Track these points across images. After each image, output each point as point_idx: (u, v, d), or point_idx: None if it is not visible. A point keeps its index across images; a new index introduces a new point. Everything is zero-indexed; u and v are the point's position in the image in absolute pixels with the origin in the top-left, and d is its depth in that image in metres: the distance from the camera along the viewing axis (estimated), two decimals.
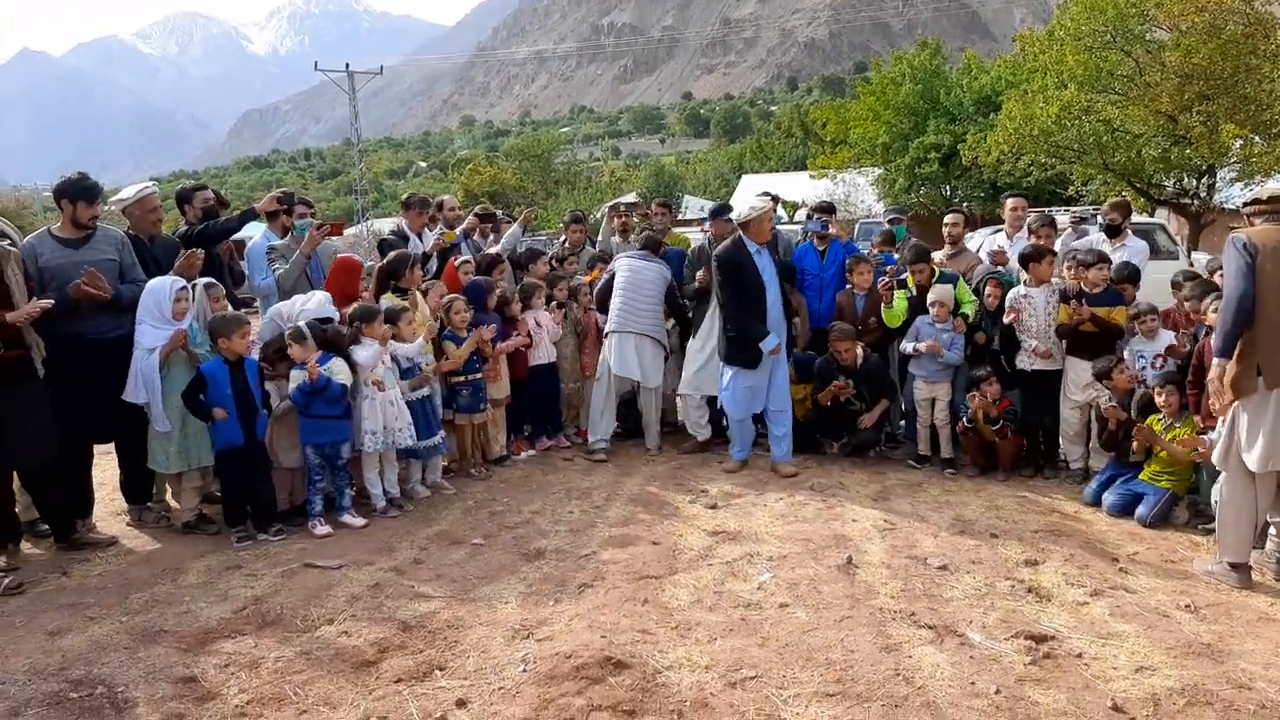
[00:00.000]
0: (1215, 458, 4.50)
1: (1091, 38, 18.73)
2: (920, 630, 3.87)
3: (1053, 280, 6.30)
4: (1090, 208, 16.09)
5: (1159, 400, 5.42)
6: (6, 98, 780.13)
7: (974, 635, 3.82)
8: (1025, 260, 6.33)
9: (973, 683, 3.43)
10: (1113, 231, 7.09)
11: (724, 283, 6.34)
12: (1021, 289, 6.35)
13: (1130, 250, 6.99)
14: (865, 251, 7.72)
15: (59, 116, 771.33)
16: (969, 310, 6.58)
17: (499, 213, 8.24)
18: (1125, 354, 5.96)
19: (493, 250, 7.44)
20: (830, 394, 6.59)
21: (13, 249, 4.85)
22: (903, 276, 6.82)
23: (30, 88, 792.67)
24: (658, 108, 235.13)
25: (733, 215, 6.79)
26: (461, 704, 3.36)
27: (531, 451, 7.05)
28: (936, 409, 6.55)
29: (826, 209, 7.91)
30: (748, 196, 7.74)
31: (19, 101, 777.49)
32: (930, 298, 6.53)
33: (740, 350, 6.35)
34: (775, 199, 8.22)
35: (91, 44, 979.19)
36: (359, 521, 5.39)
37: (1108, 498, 5.57)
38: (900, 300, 6.66)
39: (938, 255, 7.24)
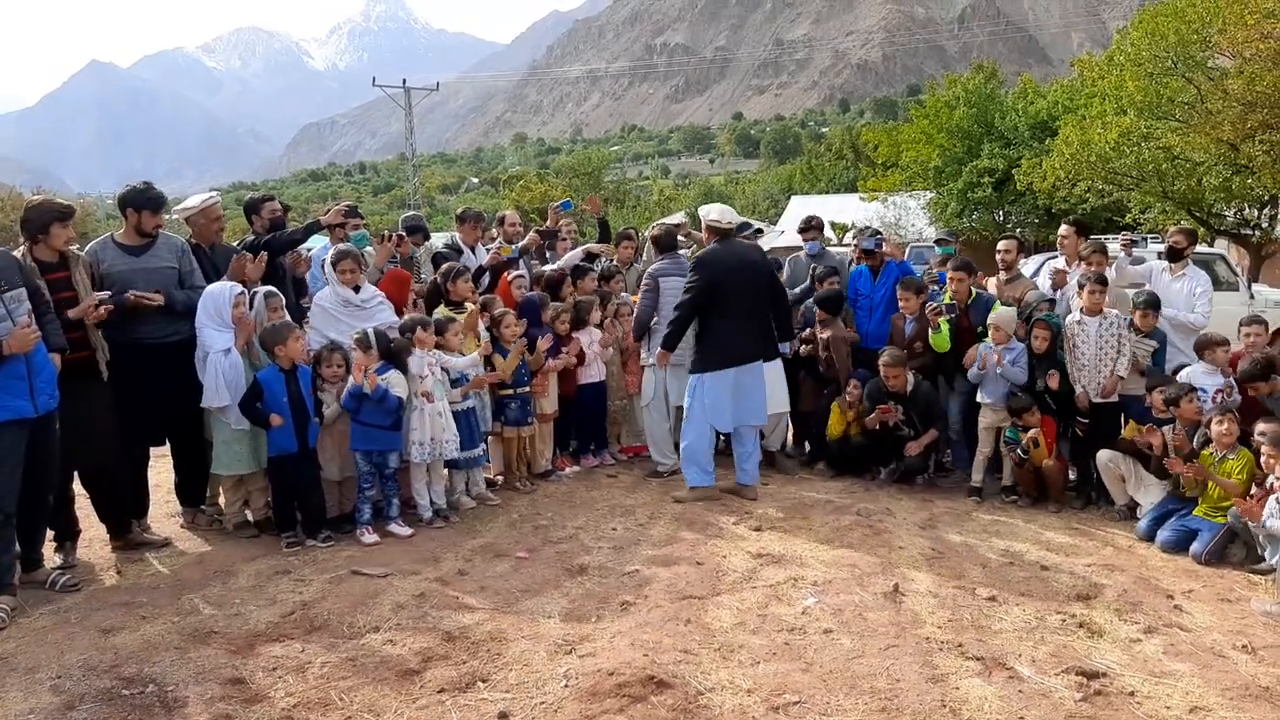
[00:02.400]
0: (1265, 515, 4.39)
1: (1152, 63, 18.44)
2: (968, 661, 3.81)
3: (1108, 312, 6.18)
4: (1146, 235, 15.80)
5: (1215, 429, 5.30)
6: (75, 107, 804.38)
7: (1023, 669, 3.75)
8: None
9: (1021, 717, 3.37)
10: (1174, 255, 6.92)
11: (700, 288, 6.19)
12: (1076, 314, 6.24)
13: (1191, 279, 6.82)
14: (921, 273, 7.65)
15: (125, 127, 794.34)
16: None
17: (559, 231, 8.23)
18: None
19: (548, 268, 7.47)
20: (877, 418, 6.53)
21: (80, 253, 5.01)
22: (952, 304, 6.70)
23: (98, 98, 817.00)
24: (708, 127, 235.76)
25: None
26: (503, 717, 3.38)
27: (576, 468, 7.07)
28: (1003, 438, 6.42)
29: (876, 232, 7.88)
30: (796, 218, 7.72)
31: (87, 111, 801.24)
32: (991, 321, 6.42)
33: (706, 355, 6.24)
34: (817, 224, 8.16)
35: (158, 56, 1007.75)
36: (405, 531, 5.45)
37: (1162, 533, 5.44)
38: (945, 325, 6.58)
39: (992, 281, 7.15)
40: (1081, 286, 6.25)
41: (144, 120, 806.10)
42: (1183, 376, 5.99)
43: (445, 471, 5.87)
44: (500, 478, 6.63)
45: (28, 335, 4.26)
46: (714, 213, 6.48)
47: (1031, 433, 6.05)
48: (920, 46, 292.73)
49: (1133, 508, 5.93)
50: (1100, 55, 22.17)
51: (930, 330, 6.64)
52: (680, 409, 6.64)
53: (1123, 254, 7.20)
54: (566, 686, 3.58)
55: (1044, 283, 7.21)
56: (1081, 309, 6.24)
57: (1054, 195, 21.97)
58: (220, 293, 5.28)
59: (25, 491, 4.39)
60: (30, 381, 4.31)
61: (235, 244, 6.29)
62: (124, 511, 5.32)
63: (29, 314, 4.36)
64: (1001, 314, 6.41)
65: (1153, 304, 6.28)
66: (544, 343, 6.44)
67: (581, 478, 6.90)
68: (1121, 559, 5.21)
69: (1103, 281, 6.29)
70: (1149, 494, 5.82)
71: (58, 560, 4.94)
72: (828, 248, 8.33)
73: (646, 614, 4.29)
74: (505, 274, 7.06)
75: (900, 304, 6.95)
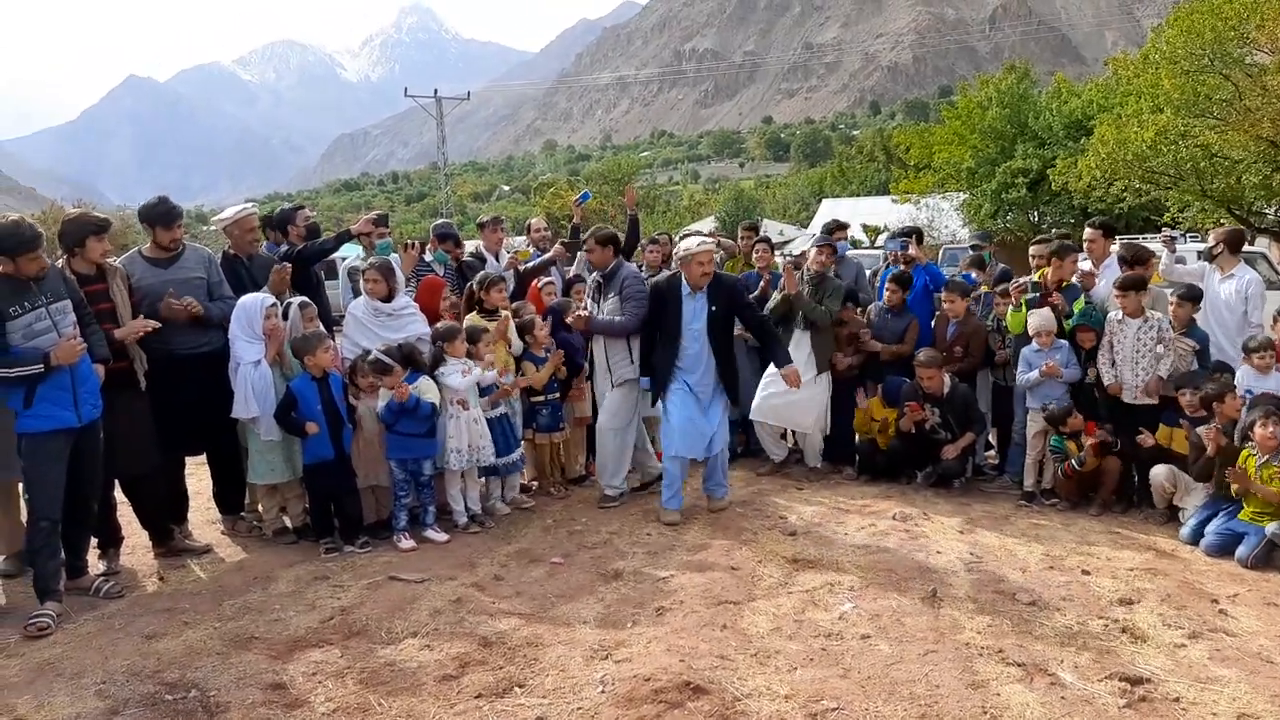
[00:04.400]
0: None
1: (1188, 61, 18.19)
2: (1009, 668, 3.76)
3: (1150, 314, 6.07)
4: (1179, 233, 15.54)
5: (1259, 432, 5.19)
6: (114, 121, 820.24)
7: (1065, 675, 3.69)
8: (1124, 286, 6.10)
9: None
10: (1221, 254, 6.76)
11: (651, 310, 6.06)
12: (1116, 313, 6.14)
13: (1239, 280, 6.65)
14: (949, 275, 7.59)
15: (162, 140, 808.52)
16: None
17: (583, 240, 8.19)
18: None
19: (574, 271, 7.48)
20: (910, 420, 6.48)
21: (117, 265, 5.10)
22: (1037, 283, 6.61)
23: (136, 111, 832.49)
24: (738, 132, 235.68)
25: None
26: None
27: None
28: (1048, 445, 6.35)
29: (910, 233, 7.83)
30: (824, 220, 7.60)
31: (125, 125, 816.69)
32: (1032, 326, 6.34)
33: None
34: (836, 228, 8.08)
35: (194, 70, 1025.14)
36: (442, 537, 5.48)
37: (1206, 537, 5.34)
38: (1025, 304, 6.48)
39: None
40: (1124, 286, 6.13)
41: (181, 133, 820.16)
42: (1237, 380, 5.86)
43: (481, 478, 5.89)
44: (534, 483, 6.65)
45: (74, 347, 4.34)
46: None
47: (1090, 442, 5.98)
48: (951, 48, 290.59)
49: (1174, 512, 5.83)
50: (1135, 53, 21.91)
51: (1011, 308, 6.59)
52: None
53: (1166, 252, 7.06)
54: (603, 692, 3.58)
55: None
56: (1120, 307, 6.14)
57: (1090, 195, 21.70)
58: (252, 304, 5.34)
59: (70, 500, 4.47)
60: (74, 392, 4.40)
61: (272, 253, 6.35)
62: (163, 519, 5.40)
63: (74, 325, 4.45)
64: (1043, 316, 6.32)
65: (1190, 296, 6.15)
66: (556, 355, 6.40)
67: None
68: (1164, 563, 5.12)
69: (1133, 285, 6.15)
70: (1193, 498, 5.72)
71: (101, 567, 5.02)
72: (854, 250, 8.30)
73: (682, 619, 4.28)
74: (535, 280, 7.09)
75: (945, 306, 6.89)
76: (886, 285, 7.20)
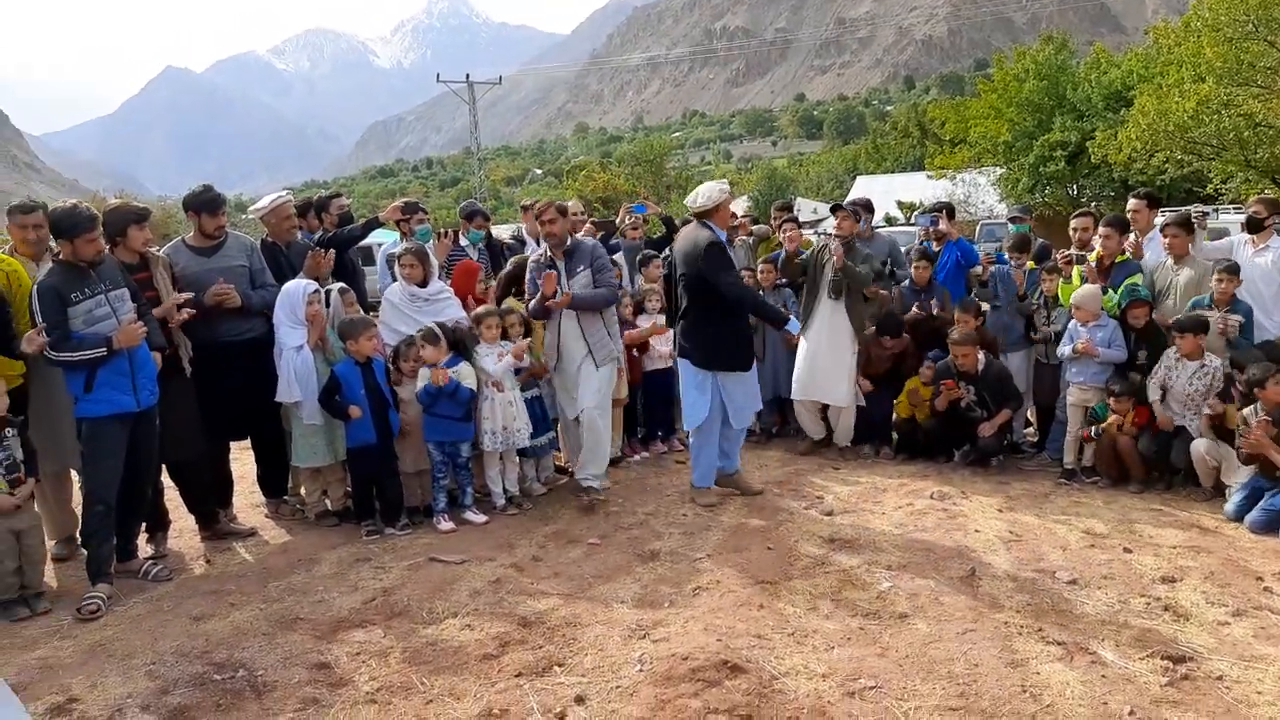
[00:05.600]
0: None
1: (1232, 28, 17.75)
2: (1049, 646, 3.74)
3: (1208, 359, 5.85)
4: (1209, 209, 15.17)
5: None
6: (152, 112, 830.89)
7: (1107, 653, 3.67)
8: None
9: (1105, 703, 3.30)
10: (1254, 226, 6.64)
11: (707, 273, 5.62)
12: (1172, 355, 5.96)
13: (1275, 252, 6.53)
14: (985, 253, 7.52)
15: (200, 130, 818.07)
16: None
17: (615, 224, 8.24)
18: None
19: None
20: (945, 398, 6.43)
21: (160, 253, 5.19)
22: (1082, 255, 6.54)
23: (174, 102, 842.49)
24: (770, 110, 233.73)
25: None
26: (580, 700, 3.42)
27: (645, 454, 7.10)
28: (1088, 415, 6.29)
29: (941, 208, 7.77)
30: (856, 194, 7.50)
31: (164, 116, 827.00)
32: (1074, 300, 6.27)
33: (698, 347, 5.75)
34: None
35: (229, 60, 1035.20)
36: (480, 518, 5.54)
37: (1251, 513, 5.26)
38: (1076, 277, 6.42)
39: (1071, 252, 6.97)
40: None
41: (218, 124, 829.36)
42: None
43: (517, 459, 5.95)
44: (569, 465, 6.68)
45: (136, 330, 4.45)
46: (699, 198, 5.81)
47: (1112, 419, 5.91)
48: (986, 20, 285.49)
49: (1220, 489, 5.73)
50: (1176, 21, 21.39)
51: (1061, 279, 6.55)
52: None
53: (1198, 230, 6.94)
54: (641, 670, 3.61)
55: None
56: (1177, 353, 5.94)
57: (1130, 167, 21.31)
58: (295, 290, 5.42)
59: (124, 485, 4.58)
60: (133, 377, 4.51)
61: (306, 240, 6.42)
62: (209, 503, 5.51)
63: (132, 312, 4.55)
64: (1084, 292, 6.24)
65: (1232, 270, 6.03)
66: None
67: (650, 464, 6.93)
68: (1208, 540, 5.05)
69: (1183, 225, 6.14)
70: (1240, 475, 5.62)
71: (149, 550, 5.14)
72: (889, 227, 8.25)
73: (719, 599, 4.30)
74: None
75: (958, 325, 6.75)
76: (913, 263, 7.16)
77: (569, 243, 5.86)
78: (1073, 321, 6.31)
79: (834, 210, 7.15)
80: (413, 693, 3.52)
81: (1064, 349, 6.31)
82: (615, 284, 5.75)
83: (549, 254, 5.85)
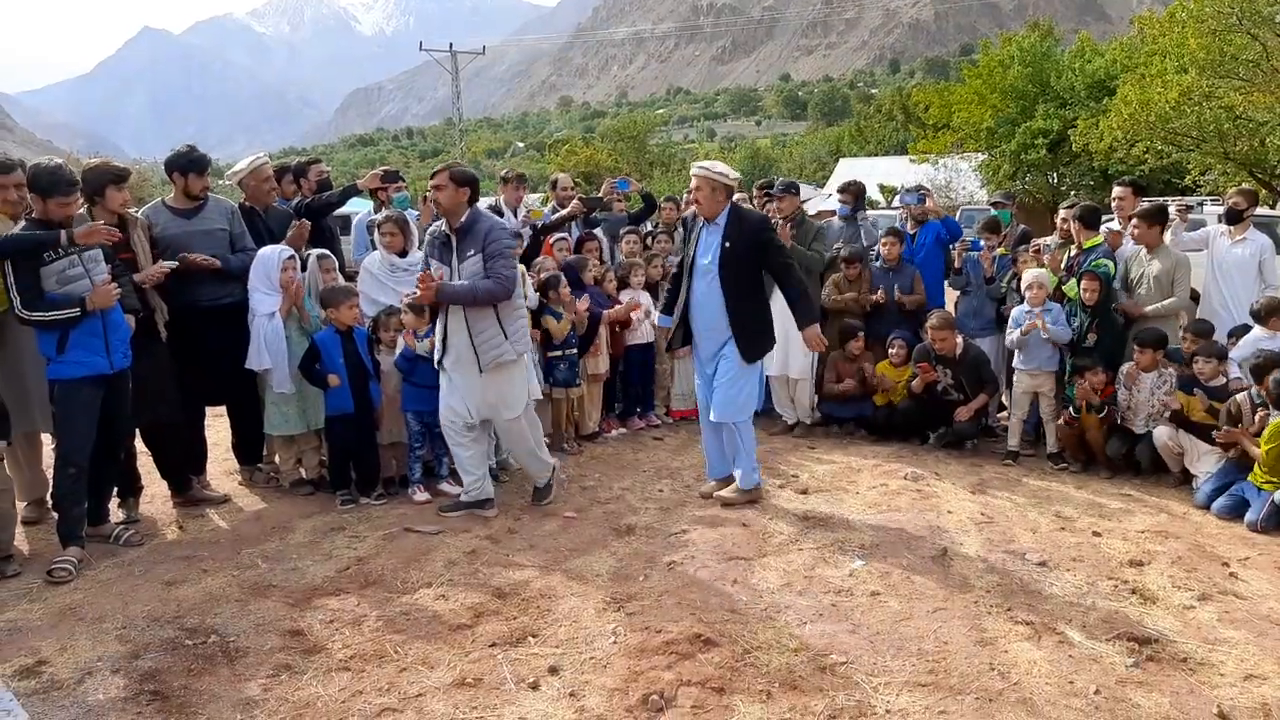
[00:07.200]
0: None
1: (1215, 20, 17.79)
2: (1017, 626, 3.79)
3: (1163, 370, 5.95)
4: (1205, 197, 15.32)
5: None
6: (129, 74, 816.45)
7: (1074, 634, 3.72)
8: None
9: (1071, 682, 3.35)
10: (1234, 218, 6.71)
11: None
12: (1124, 371, 6.05)
13: (1253, 244, 6.62)
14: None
15: (177, 93, 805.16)
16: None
17: (604, 199, 8.24)
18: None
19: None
20: (922, 381, 6.48)
21: (138, 215, 5.12)
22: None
23: (152, 64, 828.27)
24: (755, 89, 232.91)
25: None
26: (553, 671, 3.44)
27: (623, 430, 7.11)
28: (1042, 404, 6.38)
29: (923, 189, 7.82)
30: (841, 180, 7.52)
31: (141, 77, 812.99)
32: (1026, 280, 6.34)
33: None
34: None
35: (209, 22, 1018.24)
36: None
37: (1218, 501, 5.34)
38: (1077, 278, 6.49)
39: (1048, 241, 7.03)
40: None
41: (196, 86, 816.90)
42: (1243, 344, 5.85)
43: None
44: (547, 439, 6.67)
45: (109, 291, 4.40)
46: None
47: (1082, 389, 5.98)
48: (973, 4, 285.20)
49: (1189, 477, 5.81)
50: (1161, 12, 21.44)
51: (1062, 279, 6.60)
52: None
53: (1178, 221, 7.00)
54: (614, 643, 3.63)
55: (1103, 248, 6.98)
56: (1136, 362, 6.02)
57: (1111, 157, 21.41)
58: (270, 256, 5.37)
59: (97, 447, 4.54)
60: (106, 339, 4.46)
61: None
62: (183, 469, 5.47)
63: (107, 272, 4.49)
64: (1037, 274, 6.32)
65: (1217, 354, 5.87)
66: (583, 304, 6.43)
67: (628, 440, 6.94)
68: (1176, 525, 5.13)
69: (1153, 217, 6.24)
70: (1205, 463, 5.69)
71: (121, 515, 5.10)
72: (871, 211, 8.25)
73: (693, 574, 4.33)
74: (548, 237, 7.09)
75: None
76: (881, 240, 7.20)
77: (465, 217, 4.92)
78: (1017, 308, 6.38)
79: (763, 190, 7.28)
80: (386, 660, 3.52)
81: (1011, 335, 6.38)
82: (511, 275, 4.88)
83: (445, 229, 5.03)
